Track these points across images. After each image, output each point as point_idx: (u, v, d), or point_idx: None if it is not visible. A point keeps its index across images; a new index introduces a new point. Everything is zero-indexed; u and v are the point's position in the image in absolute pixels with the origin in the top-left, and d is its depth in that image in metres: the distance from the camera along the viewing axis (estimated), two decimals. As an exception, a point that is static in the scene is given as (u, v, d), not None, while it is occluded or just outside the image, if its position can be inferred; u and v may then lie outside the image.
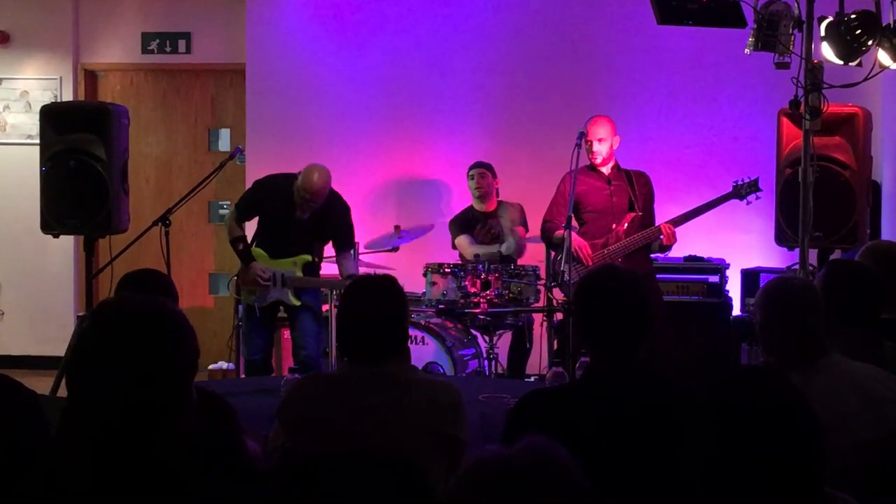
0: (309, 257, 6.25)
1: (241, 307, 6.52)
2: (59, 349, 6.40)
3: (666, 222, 6.11)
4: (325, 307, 6.76)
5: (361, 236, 6.82)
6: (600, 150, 6.18)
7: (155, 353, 1.98)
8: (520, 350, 6.89)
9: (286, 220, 6.21)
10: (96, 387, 1.97)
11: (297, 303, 6.22)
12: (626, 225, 6.14)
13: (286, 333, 6.76)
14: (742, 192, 6.08)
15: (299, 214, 6.18)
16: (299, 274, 6.22)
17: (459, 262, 6.83)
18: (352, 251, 6.46)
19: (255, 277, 6.21)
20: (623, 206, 6.21)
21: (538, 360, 6.77)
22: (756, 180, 6.05)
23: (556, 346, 6.04)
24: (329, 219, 6.26)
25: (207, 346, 7.30)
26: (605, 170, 6.25)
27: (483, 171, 7.11)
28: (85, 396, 1.99)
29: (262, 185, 6.38)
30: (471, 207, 7.24)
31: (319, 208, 6.17)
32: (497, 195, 7.20)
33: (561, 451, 1.64)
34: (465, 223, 7.16)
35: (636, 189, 6.22)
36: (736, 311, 7.26)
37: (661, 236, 6.07)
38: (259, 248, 6.36)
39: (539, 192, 6.73)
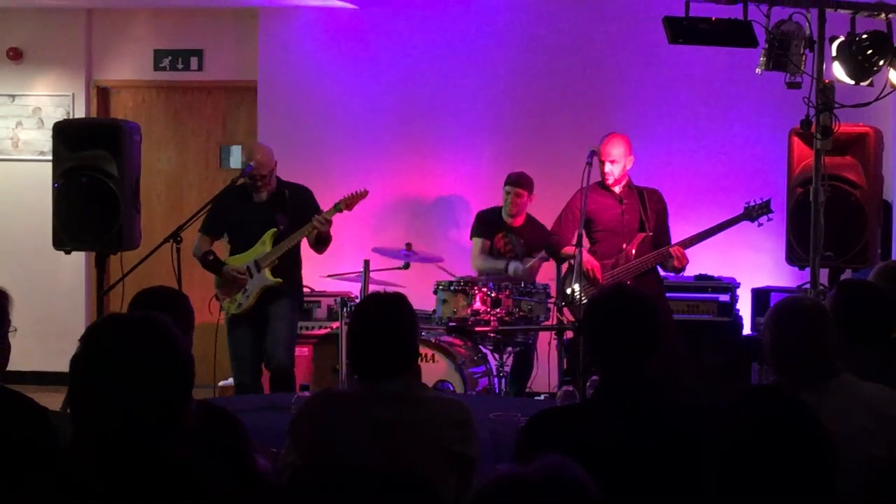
0: (273, 229, 6.29)
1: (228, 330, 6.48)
2: (70, 365, 6.40)
3: (677, 244, 6.09)
4: (335, 324, 6.75)
5: (371, 253, 6.81)
6: (612, 170, 6.13)
7: (145, 367, 2.00)
8: (524, 368, 6.83)
9: (246, 208, 6.33)
10: (93, 404, 1.99)
11: (278, 280, 6.23)
12: (635, 247, 6.11)
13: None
14: (753, 213, 6.05)
15: (257, 197, 6.31)
16: (269, 249, 6.27)
17: (470, 278, 6.77)
18: None
19: (232, 276, 6.28)
20: (634, 225, 6.17)
21: (548, 378, 6.75)
22: (768, 202, 6.03)
23: (566, 365, 6.02)
24: (288, 195, 6.34)
25: (218, 363, 7.28)
26: (617, 188, 6.22)
27: (520, 192, 6.91)
28: (84, 414, 2.01)
29: (217, 196, 6.44)
30: (501, 210, 7.12)
31: (275, 188, 6.31)
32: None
33: (578, 469, 1.63)
34: (491, 225, 7.08)
35: (647, 208, 6.18)
36: (746, 330, 7.24)
37: (673, 259, 6.04)
38: (232, 256, 6.41)
39: (551, 209, 6.71)
